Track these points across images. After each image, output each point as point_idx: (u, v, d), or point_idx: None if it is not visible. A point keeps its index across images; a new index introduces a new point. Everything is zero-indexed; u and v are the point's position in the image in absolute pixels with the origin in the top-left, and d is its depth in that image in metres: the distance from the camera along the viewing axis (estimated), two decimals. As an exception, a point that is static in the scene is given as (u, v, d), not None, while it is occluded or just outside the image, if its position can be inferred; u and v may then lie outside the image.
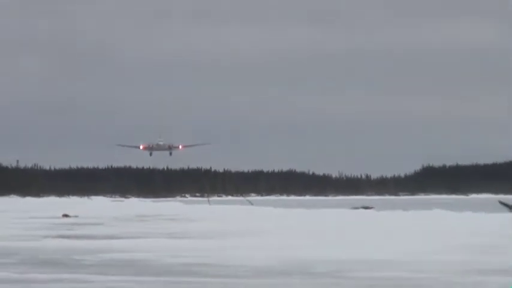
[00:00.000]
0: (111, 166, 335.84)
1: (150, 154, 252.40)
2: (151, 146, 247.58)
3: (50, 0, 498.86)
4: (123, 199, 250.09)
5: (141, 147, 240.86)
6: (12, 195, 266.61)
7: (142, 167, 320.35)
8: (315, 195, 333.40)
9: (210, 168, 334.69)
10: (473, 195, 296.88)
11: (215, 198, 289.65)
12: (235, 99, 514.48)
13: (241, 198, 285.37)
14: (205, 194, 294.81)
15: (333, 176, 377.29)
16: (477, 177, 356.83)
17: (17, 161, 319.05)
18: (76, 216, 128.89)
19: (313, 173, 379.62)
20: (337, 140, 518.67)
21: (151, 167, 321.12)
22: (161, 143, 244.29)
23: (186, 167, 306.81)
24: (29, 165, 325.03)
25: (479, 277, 42.19)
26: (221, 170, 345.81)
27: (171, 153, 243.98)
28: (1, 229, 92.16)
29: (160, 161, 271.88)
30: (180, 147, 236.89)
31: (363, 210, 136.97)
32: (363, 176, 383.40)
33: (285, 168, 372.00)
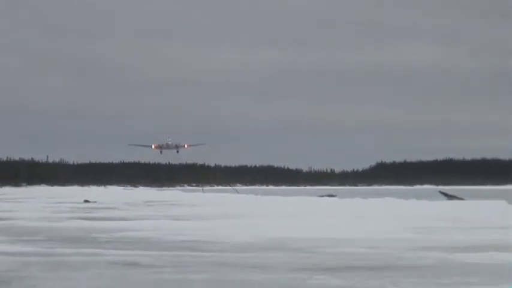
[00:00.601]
0: (123, 161, 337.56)
1: (161, 152, 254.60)
2: (161, 145, 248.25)
3: (72, 29, 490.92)
4: (133, 188, 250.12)
5: (152, 146, 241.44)
6: (42, 185, 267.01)
7: (149, 162, 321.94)
8: (289, 185, 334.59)
9: (204, 163, 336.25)
10: (418, 186, 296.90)
11: (208, 187, 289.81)
12: (225, 109, 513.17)
13: (229, 187, 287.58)
14: (200, 184, 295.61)
15: (304, 170, 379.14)
16: (421, 171, 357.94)
17: (47, 157, 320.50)
18: (94, 202, 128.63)
19: (287, 168, 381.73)
20: (307, 142, 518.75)
21: (156, 162, 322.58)
22: (170, 142, 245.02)
23: (184, 162, 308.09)
24: (57, 160, 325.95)
25: (422, 252, 42.18)
26: (213, 165, 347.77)
27: (178, 151, 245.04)
28: (33, 212, 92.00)
29: (163, 158, 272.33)
30: (186, 146, 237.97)
31: (328, 197, 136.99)
32: (328, 170, 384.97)
33: (265, 164, 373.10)
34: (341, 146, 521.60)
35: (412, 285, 29.66)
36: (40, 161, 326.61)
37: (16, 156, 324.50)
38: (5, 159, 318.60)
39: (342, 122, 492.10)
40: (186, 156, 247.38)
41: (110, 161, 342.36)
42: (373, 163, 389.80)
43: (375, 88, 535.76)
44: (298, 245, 46.59)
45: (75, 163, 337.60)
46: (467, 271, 34.00)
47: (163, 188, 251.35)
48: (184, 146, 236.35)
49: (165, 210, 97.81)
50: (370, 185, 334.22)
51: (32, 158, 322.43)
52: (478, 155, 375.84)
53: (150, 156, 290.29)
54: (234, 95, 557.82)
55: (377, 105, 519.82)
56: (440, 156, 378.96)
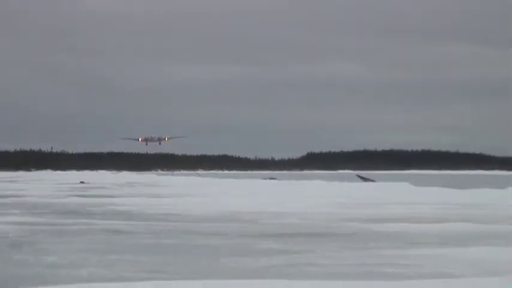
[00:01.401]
0: (111, 151, 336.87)
1: (146, 144, 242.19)
2: (147, 138, 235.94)
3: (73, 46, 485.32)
4: (118, 172, 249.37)
5: (139, 139, 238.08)
6: (48, 170, 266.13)
7: (131, 152, 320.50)
8: (239, 170, 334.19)
9: (174, 153, 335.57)
10: (340, 171, 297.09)
11: (176, 172, 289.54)
12: (196, 110, 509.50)
13: (192, 172, 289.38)
14: (171, 170, 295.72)
15: (251, 158, 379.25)
16: (343, 159, 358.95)
17: (51, 148, 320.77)
18: (88, 183, 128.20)
19: (238, 156, 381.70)
20: (253, 136, 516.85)
21: (136, 152, 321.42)
22: (154, 136, 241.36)
23: (158, 152, 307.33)
24: (59, 150, 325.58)
25: (343, 223, 42.20)
26: (180, 154, 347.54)
27: (160, 143, 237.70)
28: (40, 191, 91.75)
29: (142, 148, 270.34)
30: (166, 139, 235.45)
31: (270, 180, 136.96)
32: (270, 158, 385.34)
33: (221, 153, 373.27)
34: (279, 140, 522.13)
35: (335, 248, 29.64)
36: (46, 151, 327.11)
37: (27, 147, 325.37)
38: (18, 149, 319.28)
39: (281, 122, 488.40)
40: (162, 147, 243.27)
41: (101, 151, 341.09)
42: (304, 153, 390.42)
43: (306, 95, 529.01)
44: (246, 217, 46.65)
45: (73, 153, 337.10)
46: (379, 238, 34.05)
47: (142, 172, 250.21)
48: (165, 139, 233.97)
49: (143, 190, 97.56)
50: (302, 170, 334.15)
51: (40, 149, 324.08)
52: (387, 147, 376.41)
53: (133, 147, 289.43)
54: (203, 102, 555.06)
55: (309, 109, 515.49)
56: (357, 148, 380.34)
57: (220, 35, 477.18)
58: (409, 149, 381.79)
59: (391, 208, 55.33)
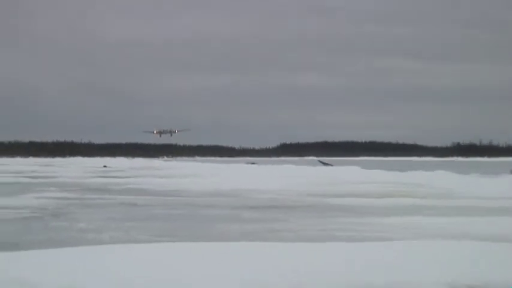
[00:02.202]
0: (128, 142, 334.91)
1: (160, 136, 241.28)
2: (161, 131, 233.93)
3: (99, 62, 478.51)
4: (132, 158, 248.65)
5: (154, 132, 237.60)
6: (78, 156, 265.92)
7: (143, 143, 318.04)
8: (227, 157, 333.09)
9: (176, 143, 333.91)
10: (307, 157, 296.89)
11: (178, 158, 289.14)
12: (198, 111, 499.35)
13: (191, 158, 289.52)
14: (174, 156, 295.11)
15: (236, 147, 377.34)
16: (309, 148, 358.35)
17: (81, 139, 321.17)
18: (109, 167, 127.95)
19: (227, 146, 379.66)
20: (237, 130, 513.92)
21: (148, 143, 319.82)
22: (166, 129, 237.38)
23: (165, 143, 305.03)
24: (86, 141, 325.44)
25: (308, 197, 42.35)
26: (181, 144, 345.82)
27: (171, 135, 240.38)
28: (72, 173, 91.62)
29: (152, 139, 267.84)
30: (176, 131, 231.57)
31: (251, 164, 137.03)
32: (251, 147, 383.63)
33: (213, 143, 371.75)
34: (260, 132, 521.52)
35: (301, 217, 29.87)
36: (76, 142, 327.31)
37: (62, 139, 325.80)
38: (55, 140, 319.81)
39: (260, 120, 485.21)
40: (169, 138, 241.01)
41: (120, 142, 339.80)
42: (278, 143, 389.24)
43: (282, 101, 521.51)
44: (234, 193, 46.79)
45: (98, 143, 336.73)
46: (335, 209, 34.20)
47: (152, 159, 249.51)
48: (175, 131, 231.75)
49: (152, 172, 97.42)
50: (278, 157, 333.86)
51: (72, 140, 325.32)
52: (342, 139, 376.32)
53: (146, 139, 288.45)
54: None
55: (283, 110, 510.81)
56: (320, 139, 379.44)
57: (213, 48, 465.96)
58: (360, 141, 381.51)
59: (344, 186, 55.53)
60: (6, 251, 16.92)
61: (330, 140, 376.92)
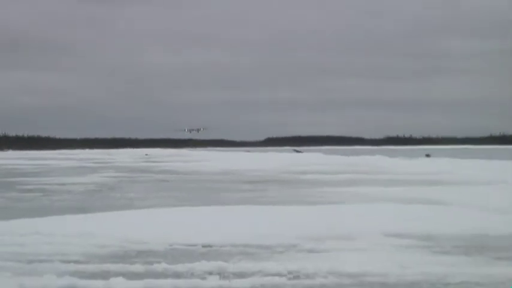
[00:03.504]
0: (163, 138, 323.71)
1: (190, 132, 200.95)
2: (190, 129, 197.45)
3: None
4: (165, 149, 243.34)
5: (186, 129, 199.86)
6: (127, 148, 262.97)
7: (169, 138, 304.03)
8: (230, 147, 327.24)
9: (197, 138, 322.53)
10: (284, 147, 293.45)
11: (198, 148, 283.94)
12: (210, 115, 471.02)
13: (205, 148, 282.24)
14: (194, 147, 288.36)
15: (236, 140, 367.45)
16: (287, 140, 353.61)
17: (129, 136, 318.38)
18: (150, 155, 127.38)
19: (229, 139, 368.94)
20: (236, 127, 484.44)
21: (172, 138, 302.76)
22: (195, 127, 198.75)
23: (188, 138, 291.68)
24: (133, 137, 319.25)
25: (284, 174, 42.26)
26: (201, 139, 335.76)
27: (198, 131, 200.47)
28: (123, 159, 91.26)
29: (187, 135, 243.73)
30: (202, 129, 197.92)
31: (245, 152, 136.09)
32: (246, 140, 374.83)
33: (221, 138, 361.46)
34: (252, 129, 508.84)
35: (279, 188, 29.91)
36: (126, 138, 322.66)
37: (118, 135, 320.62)
38: (112, 137, 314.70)
39: (251, 121, 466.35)
40: (193, 134, 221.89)
41: (157, 137, 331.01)
42: (265, 137, 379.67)
43: (266, 108, 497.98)
44: (234, 172, 46.59)
45: (142, 138, 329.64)
46: (303, 182, 34.26)
47: (178, 149, 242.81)
48: (202, 129, 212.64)
49: (180, 158, 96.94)
50: (265, 147, 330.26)
51: (122, 137, 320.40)
52: (310, 134, 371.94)
53: (178, 134, 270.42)
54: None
55: (266, 115, 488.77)
56: (295, 134, 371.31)
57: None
58: (323, 135, 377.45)
59: (310, 166, 55.46)
60: (78, 213, 17.40)
61: (302, 134, 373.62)
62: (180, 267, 9.01)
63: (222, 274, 8.48)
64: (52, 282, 8.49)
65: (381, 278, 7.79)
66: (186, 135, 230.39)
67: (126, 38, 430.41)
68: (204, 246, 11.27)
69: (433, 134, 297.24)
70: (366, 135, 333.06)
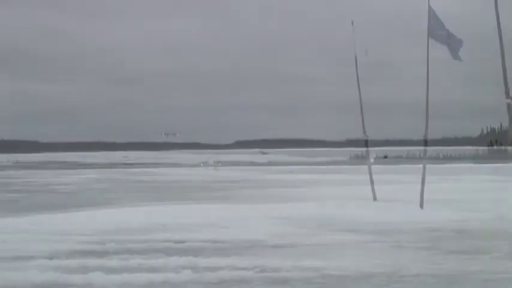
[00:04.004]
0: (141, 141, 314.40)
1: (167, 136, 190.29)
2: (166, 133, 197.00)
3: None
4: (144, 151, 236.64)
5: (162, 134, 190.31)
6: (109, 151, 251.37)
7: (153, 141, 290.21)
8: (200, 149, 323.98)
9: (171, 141, 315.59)
10: (252, 149, 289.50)
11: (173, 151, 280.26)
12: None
13: (181, 151, 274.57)
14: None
15: (208, 143, 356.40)
16: (254, 143, 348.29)
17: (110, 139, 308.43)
18: (128, 157, 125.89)
19: (201, 142, 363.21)
20: (207, 130, 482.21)
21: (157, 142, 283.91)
22: (170, 132, 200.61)
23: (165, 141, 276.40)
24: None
25: (253, 174, 42.35)
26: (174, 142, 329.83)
27: (174, 136, 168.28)
28: (103, 161, 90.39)
29: (163, 139, 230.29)
30: (177, 134, 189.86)
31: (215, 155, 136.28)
32: (216, 143, 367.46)
33: (193, 141, 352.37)
34: (222, 132, 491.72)
35: (250, 187, 29.99)
36: (107, 141, 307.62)
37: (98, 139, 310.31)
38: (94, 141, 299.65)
39: (221, 125, 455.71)
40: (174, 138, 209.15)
41: (133, 141, 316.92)
42: (234, 140, 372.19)
43: (233, 113, 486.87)
44: (205, 173, 46.54)
45: (121, 142, 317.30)
46: (270, 182, 34.42)
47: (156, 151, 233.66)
48: (176, 134, 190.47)
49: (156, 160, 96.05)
50: (234, 149, 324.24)
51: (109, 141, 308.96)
52: (276, 137, 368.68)
53: (156, 138, 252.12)
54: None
55: (234, 120, 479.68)
56: (260, 138, 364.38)
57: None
58: (287, 138, 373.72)
59: (275, 167, 55.85)
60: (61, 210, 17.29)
61: (268, 138, 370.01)
62: (147, 236, 10.35)
63: (171, 241, 9.81)
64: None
65: (262, 242, 9.76)
66: (163, 139, 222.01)
67: (105, 45, 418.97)
68: (176, 242, 11.46)
69: (390, 137, 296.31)
70: (328, 138, 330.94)
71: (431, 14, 17.49)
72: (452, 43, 17.11)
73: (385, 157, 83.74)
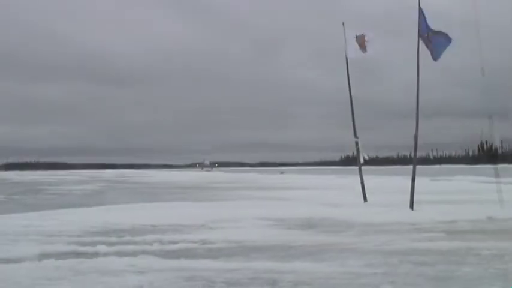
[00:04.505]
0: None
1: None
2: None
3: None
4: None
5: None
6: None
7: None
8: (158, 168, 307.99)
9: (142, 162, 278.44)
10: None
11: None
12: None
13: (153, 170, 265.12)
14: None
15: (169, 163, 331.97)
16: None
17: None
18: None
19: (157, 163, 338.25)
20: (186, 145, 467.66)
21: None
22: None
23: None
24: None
25: (223, 184, 42.69)
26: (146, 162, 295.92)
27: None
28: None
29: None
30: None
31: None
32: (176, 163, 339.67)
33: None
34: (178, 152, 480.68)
35: (223, 191, 30.23)
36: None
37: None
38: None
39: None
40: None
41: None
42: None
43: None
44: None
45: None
46: (237, 187, 34.48)
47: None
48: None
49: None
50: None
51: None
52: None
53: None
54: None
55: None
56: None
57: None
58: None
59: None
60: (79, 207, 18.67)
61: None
62: (137, 238, 12.27)
63: (161, 242, 11.69)
64: (59, 248, 11.20)
65: (253, 243, 11.37)
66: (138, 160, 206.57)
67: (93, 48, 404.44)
68: (151, 225, 14.46)
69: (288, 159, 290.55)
70: (247, 161, 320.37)
71: (421, 15, 17.53)
72: (436, 42, 17.13)
73: (282, 173, 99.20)
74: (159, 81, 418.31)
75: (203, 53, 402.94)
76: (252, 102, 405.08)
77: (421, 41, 17.45)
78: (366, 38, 18.59)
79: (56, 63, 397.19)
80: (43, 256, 10.20)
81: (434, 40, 17.11)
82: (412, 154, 18.21)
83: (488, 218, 15.13)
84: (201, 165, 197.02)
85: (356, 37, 18.70)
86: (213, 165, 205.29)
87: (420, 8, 17.63)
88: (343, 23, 19.31)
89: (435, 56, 17.21)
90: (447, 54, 17.29)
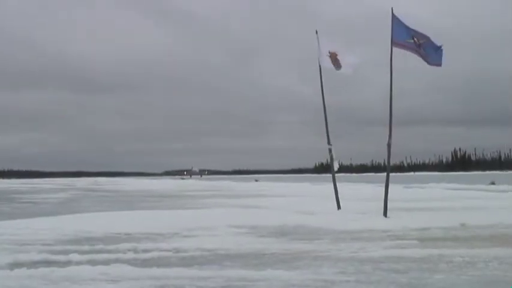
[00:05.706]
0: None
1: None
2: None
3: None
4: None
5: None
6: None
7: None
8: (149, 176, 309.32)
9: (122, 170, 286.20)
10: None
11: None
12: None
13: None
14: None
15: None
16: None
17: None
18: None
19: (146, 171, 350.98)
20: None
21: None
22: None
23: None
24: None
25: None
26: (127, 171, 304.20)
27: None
28: (79, 185, 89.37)
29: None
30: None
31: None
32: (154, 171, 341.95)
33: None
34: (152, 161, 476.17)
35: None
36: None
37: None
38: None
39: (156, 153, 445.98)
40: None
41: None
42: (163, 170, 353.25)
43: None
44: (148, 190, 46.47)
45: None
46: (185, 197, 34.29)
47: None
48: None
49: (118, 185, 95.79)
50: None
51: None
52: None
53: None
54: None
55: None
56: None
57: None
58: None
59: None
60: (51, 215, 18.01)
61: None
62: (110, 247, 12.05)
63: (134, 250, 11.60)
64: (31, 256, 11.05)
65: (226, 251, 11.34)
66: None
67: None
68: (125, 234, 14.33)
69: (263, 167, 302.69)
70: (222, 168, 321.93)
71: (395, 22, 17.61)
72: (427, 50, 17.21)
73: (256, 180, 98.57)
74: (137, 90, 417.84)
75: (182, 62, 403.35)
76: (229, 109, 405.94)
77: (398, 49, 17.51)
78: (338, 56, 18.57)
79: (30, 70, 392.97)
80: (15, 265, 10.05)
81: (425, 45, 17.11)
82: (386, 162, 18.38)
83: (461, 225, 15.30)
84: (189, 173, 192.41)
85: (329, 53, 18.66)
86: (203, 172, 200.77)
87: (393, 15, 17.71)
88: (316, 31, 19.29)
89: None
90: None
